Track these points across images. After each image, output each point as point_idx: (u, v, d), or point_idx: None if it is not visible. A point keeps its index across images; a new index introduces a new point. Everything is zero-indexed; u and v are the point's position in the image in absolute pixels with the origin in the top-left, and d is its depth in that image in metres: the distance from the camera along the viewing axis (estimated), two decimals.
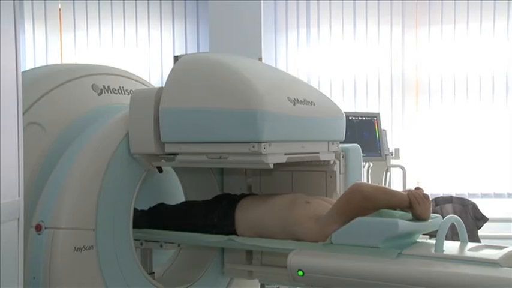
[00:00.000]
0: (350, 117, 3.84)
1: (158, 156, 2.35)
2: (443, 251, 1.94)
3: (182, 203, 2.71)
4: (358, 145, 2.73)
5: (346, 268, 2.00)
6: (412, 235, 2.11)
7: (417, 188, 2.15)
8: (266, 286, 4.79)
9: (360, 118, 4.05)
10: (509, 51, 5.15)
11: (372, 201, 2.09)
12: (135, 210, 2.43)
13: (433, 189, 4.96)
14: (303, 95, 2.34)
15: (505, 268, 1.77)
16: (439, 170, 5.15)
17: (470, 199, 4.31)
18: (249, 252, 2.68)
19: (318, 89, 3.14)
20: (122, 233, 2.30)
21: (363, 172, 3.68)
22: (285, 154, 2.24)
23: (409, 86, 5.28)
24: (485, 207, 4.22)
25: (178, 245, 2.64)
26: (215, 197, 2.64)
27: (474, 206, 4.13)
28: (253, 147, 2.09)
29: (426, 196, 2.11)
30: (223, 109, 2.13)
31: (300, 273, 2.06)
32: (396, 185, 4.60)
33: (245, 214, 2.38)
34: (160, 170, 2.68)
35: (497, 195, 5.15)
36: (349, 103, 5.23)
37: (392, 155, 4.30)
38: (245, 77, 2.15)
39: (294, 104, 2.25)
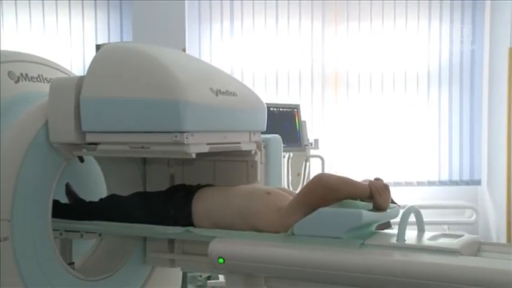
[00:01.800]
0: (271, 109, 3.87)
1: (79, 145, 2.28)
2: (405, 240, 1.93)
3: (134, 194, 2.59)
4: (279, 136, 2.76)
5: (293, 257, 1.96)
6: (371, 225, 2.08)
7: (377, 179, 2.12)
8: (188, 274, 4.80)
9: (281, 109, 4.10)
10: (419, 46, 5.39)
11: (335, 192, 2.03)
12: (85, 201, 2.36)
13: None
14: (226, 86, 2.34)
15: (465, 256, 1.80)
16: (357, 160, 5.31)
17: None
18: (171, 241, 2.66)
19: (240, 80, 3.15)
20: (40, 224, 2.22)
21: (283, 162, 3.73)
22: (207, 144, 2.23)
23: (328, 79, 5.40)
24: (403, 195, 4.38)
25: (100, 235, 2.58)
26: (170, 187, 2.55)
27: None
28: (176, 137, 2.07)
29: (386, 186, 2.08)
30: (146, 99, 2.09)
31: (221, 260, 2.05)
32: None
33: (202, 205, 2.29)
34: (81, 159, 2.60)
35: (408, 184, 5.38)
36: (271, 95, 5.28)
37: (311, 145, 4.38)
38: (168, 67, 2.12)
39: (217, 95, 2.25)
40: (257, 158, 2.58)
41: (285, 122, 4.06)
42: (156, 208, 2.36)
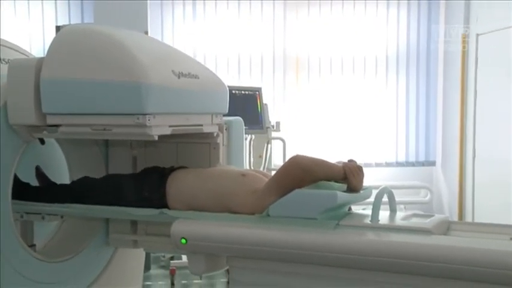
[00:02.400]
0: (233, 91, 3.86)
1: (39, 127, 2.23)
2: (379, 220, 1.95)
3: (106, 176, 2.55)
4: (240, 118, 2.76)
5: (267, 238, 1.96)
6: (344, 206, 2.08)
7: (350, 160, 2.12)
8: (152, 255, 4.79)
9: (243, 92, 4.10)
10: (378, 31, 5.45)
11: (310, 174, 2.02)
12: (56, 184, 2.31)
13: None
14: (188, 69, 2.32)
15: (437, 235, 1.83)
16: (317, 142, 5.36)
17: None
18: (134, 222, 2.64)
19: (203, 63, 3.13)
20: None
21: (245, 144, 3.74)
22: (170, 126, 2.21)
23: (289, 63, 5.41)
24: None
25: (62, 217, 2.54)
26: (143, 170, 2.48)
27: None
28: (138, 119, 2.05)
29: (360, 168, 2.09)
30: (107, 81, 2.05)
31: (183, 241, 2.05)
32: (277, 157, 4.73)
33: (176, 187, 2.26)
34: (42, 141, 2.55)
35: (367, 165, 5.46)
36: (234, 78, 5.27)
37: (273, 127, 4.40)
38: (129, 49, 2.09)
39: (179, 77, 2.23)
40: (219, 140, 2.58)
41: (247, 105, 4.06)
42: (129, 190, 2.32)
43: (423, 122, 5.61)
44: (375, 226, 1.92)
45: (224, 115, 2.60)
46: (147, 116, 2.04)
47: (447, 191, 5.48)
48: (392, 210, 2.13)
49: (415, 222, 1.97)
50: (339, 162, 2.11)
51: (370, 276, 1.84)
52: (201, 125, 2.43)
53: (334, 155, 5.34)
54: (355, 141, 5.43)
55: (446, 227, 2.00)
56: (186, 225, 2.09)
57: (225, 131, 2.62)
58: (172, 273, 4.38)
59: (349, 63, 5.45)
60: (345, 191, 2.03)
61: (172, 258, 4.61)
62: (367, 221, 1.95)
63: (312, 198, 1.96)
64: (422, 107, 5.60)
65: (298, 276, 1.96)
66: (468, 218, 5.04)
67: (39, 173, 2.61)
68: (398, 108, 5.56)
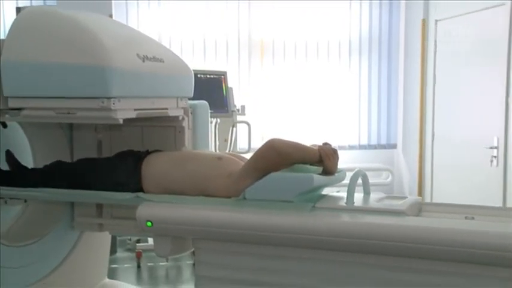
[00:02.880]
0: (198, 75, 3.83)
1: (1, 111, 2.18)
2: (354, 203, 1.95)
3: (80, 160, 2.48)
4: (206, 102, 2.74)
5: (245, 221, 1.95)
6: (318, 189, 2.08)
7: (325, 143, 2.12)
8: (118, 238, 4.76)
9: (208, 76, 4.07)
10: (341, 16, 5.48)
11: (287, 157, 2.01)
12: (27, 168, 2.25)
13: None
14: (153, 52, 2.30)
15: (411, 217, 1.86)
16: (282, 126, 5.38)
17: None
18: (99, 206, 2.62)
19: (168, 47, 3.09)
20: None
21: (210, 128, 3.72)
22: (135, 110, 2.19)
23: (254, 47, 5.40)
24: None
25: (25, 201, 2.49)
26: (118, 154, 2.43)
27: None
28: (103, 102, 2.02)
29: (335, 151, 2.09)
30: (71, 64, 2.02)
31: (149, 224, 2.04)
32: (242, 140, 4.73)
33: (152, 170, 2.22)
34: (4, 125, 2.49)
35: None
36: (199, 62, 5.22)
37: (238, 111, 4.39)
38: (93, 32, 2.06)
39: (143, 61, 2.21)
40: (184, 123, 2.57)
41: (212, 89, 4.03)
42: (104, 174, 2.27)
43: (385, 106, 5.69)
44: (350, 208, 1.93)
45: (189, 99, 2.59)
46: (111, 99, 2.02)
47: (407, 173, 5.59)
48: (366, 193, 2.14)
49: (389, 204, 1.99)
50: (313, 146, 2.11)
51: (346, 258, 1.86)
52: (167, 109, 2.41)
53: (298, 138, 5.38)
54: (318, 125, 5.47)
55: (418, 208, 2.03)
56: (152, 209, 2.07)
57: (190, 114, 2.60)
58: (138, 256, 4.37)
59: (313, 47, 5.47)
60: (320, 174, 2.03)
61: (138, 241, 4.59)
62: (343, 203, 1.96)
63: (289, 181, 1.96)
64: (384, 92, 5.66)
65: (266, 258, 1.97)
66: (427, 199, 5.15)
67: (10, 157, 2.54)
68: (361, 92, 5.61)
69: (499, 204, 4.01)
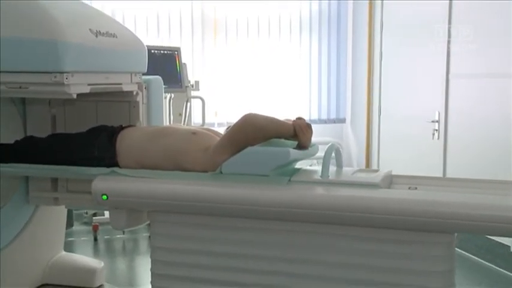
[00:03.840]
0: (152, 51, 3.78)
1: None
2: (329, 176, 1.94)
3: (52, 135, 2.41)
4: (160, 77, 2.72)
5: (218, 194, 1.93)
6: (292, 163, 2.07)
7: (299, 118, 2.09)
8: (74, 212, 4.70)
9: (162, 52, 4.02)
10: None
11: (263, 131, 1.99)
12: None
13: (229, 117, 5.19)
14: (106, 28, 2.26)
15: (384, 189, 1.87)
16: (235, 101, 5.38)
17: None
18: (54, 180, 2.58)
19: (122, 23, 3.04)
20: None
21: (165, 103, 3.70)
22: (88, 85, 2.16)
23: (207, 24, 5.35)
24: None
25: None
26: (91, 129, 2.35)
27: None
28: (55, 77, 1.99)
29: (309, 125, 2.06)
30: (23, 38, 1.98)
31: (104, 197, 2.04)
32: (196, 115, 4.72)
33: (127, 146, 2.17)
34: None
35: None
36: (153, 38, 5.15)
37: (192, 87, 4.37)
38: (45, 7, 2.02)
39: (97, 36, 2.17)
40: (139, 98, 2.55)
41: (166, 64, 3.99)
42: (78, 149, 2.22)
43: (334, 83, 5.76)
44: (326, 181, 1.92)
45: (143, 74, 2.56)
46: (64, 74, 1.99)
47: (356, 146, 5.71)
48: (339, 166, 2.14)
49: (363, 177, 1.99)
50: (287, 120, 2.09)
51: (323, 229, 1.86)
52: (121, 84, 2.39)
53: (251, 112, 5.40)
54: (271, 100, 5.49)
55: (389, 181, 2.04)
56: (107, 182, 2.06)
57: (144, 89, 2.58)
58: (95, 229, 4.33)
59: (265, 24, 5.46)
60: (294, 148, 2.02)
61: (95, 214, 4.54)
62: (318, 177, 1.96)
63: (265, 156, 1.94)
64: (334, 68, 5.73)
65: (222, 228, 1.98)
66: None
67: None
68: (311, 68, 5.66)
69: (439, 174, 4.17)
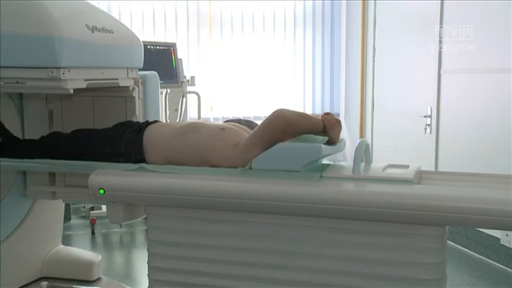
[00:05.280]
0: (148, 46, 3.78)
1: None
2: (360, 172, 1.90)
3: (77, 131, 2.35)
4: (155, 72, 2.71)
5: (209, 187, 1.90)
6: (321, 158, 2.02)
7: (327, 113, 2.04)
8: (72, 205, 4.69)
9: (157, 47, 4.02)
10: None
11: (293, 126, 1.94)
12: (19, 139, 2.16)
13: (224, 112, 5.19)
14: (102, 23, 2.25)
15: (417, 185, 1.82)
16: (229, 96, 5.38)
17: (255, 121, 4.59)
18: (52, 174, 2.57)
19: (118, 19, 3.03)
20: None
21: (161, 98, 3.69)
22: (85, 80, 2.15)
23: (203, 19, 5.33)
24: None
25: None
26: (117, 124, 2.31)
27: None
28: (52, 72, 1.98)
29: (338, 121, 2.02)
30: (19, 33, 1.96)
31: (101, 191, 2.03)
32: (192, 110, 4.71)
33: (154, 141, 2.12)
34: None
35: None
36: (149, 33, 5.13)
37: (188, 82, 4.36)
38: (41, 3, 2.00)
39: (93, 32, 2.16)
40: (135, 93, 2.54)
41: (161, 60, 3.98)
42: (105, 145, 2.17)
43: (328, 77, 5.76)
44: (359, 177, 1.87)
45: (140, 70, 2.55)
46: (61, 69, 1.98)
47: (349, 139, 5.72)
48: (368, 162, 2.09)
49: (395, 172, 1.92)
50: (316, 115, 2.05)
51: (352, 226, 1.82)
52: (117, 79, 2.37)
53: (246, 107, 5.42)
54: (266, 94, 5.49)
55: (419, 177, 1.99)
56: (103, 177, 2.05)
57: (140, 85, 2.57)
58: (92, 223, 4.33)
59: (260, 20, 5.45)
60: (324, 144, 1.97)
61: (92, 208, 4.54)
62: (349, 172, 1.91)
63: (297, 151, 1.90)
64: (327, 63, 5.73)
65: (222, 222, 1.97)
66: None
67: (1, 128, 2.43)
68: (306, 63, 5.66)
69: (432, 167, 4.18)
